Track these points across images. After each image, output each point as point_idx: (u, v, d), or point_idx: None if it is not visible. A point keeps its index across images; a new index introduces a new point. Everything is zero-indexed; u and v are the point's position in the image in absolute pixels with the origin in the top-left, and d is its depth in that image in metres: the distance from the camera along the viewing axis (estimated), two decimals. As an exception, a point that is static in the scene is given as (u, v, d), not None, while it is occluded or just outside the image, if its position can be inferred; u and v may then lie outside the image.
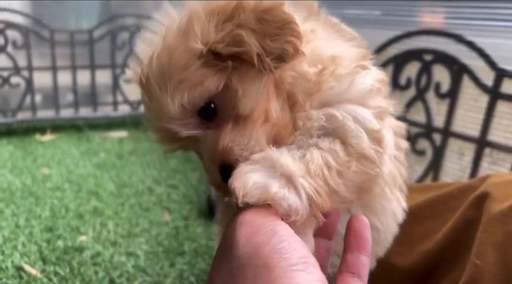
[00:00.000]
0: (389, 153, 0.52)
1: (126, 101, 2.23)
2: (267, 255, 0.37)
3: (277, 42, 0.46)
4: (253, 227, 0.41)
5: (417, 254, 0.82)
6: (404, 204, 0.64)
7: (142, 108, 0.55)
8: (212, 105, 0.48)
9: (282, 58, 0.47)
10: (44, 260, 1.06)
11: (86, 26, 2.17)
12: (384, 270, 0.86)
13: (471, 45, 1.11)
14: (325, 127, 0.48)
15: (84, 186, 1.48)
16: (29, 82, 1.95)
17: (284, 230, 0.40)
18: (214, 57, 0.47)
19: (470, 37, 1.11)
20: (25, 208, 1.30)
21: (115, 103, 2.21)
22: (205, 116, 0.49)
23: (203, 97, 0.48)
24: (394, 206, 0.62)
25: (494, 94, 1.07)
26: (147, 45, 0.51)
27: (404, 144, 0.62)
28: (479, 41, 1.10)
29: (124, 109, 2.24)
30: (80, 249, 1.12)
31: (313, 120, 0.49)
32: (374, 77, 0.52)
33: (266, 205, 0.44)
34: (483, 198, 0.72)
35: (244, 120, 0.48)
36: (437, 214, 0.83)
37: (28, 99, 1.98)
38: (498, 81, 1.06)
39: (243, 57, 0.47)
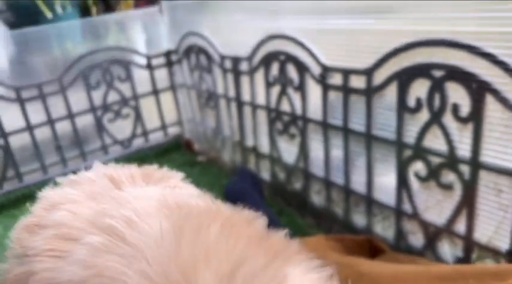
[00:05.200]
0: None
1: (115, 142, 2.07)
2: None
3: None
4: None
5: None
6: None
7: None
8: None
9: None
10: None
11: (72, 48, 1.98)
12: None
13: (490, 57, 0.88)
14: None
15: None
16: (6, 149, 1.80)
17: None
18: None
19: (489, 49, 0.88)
20: None
21: (104, 147, 2.05)
22: None
23: None
24: None
25: (530, 118, 0.85)
26: None
27: None
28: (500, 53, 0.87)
29: (115, 151, 2.09)
30: None
31: None
32: None
33: None
34: None
35: None
36: None
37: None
38: (531, 101, 0.84)
39: None
